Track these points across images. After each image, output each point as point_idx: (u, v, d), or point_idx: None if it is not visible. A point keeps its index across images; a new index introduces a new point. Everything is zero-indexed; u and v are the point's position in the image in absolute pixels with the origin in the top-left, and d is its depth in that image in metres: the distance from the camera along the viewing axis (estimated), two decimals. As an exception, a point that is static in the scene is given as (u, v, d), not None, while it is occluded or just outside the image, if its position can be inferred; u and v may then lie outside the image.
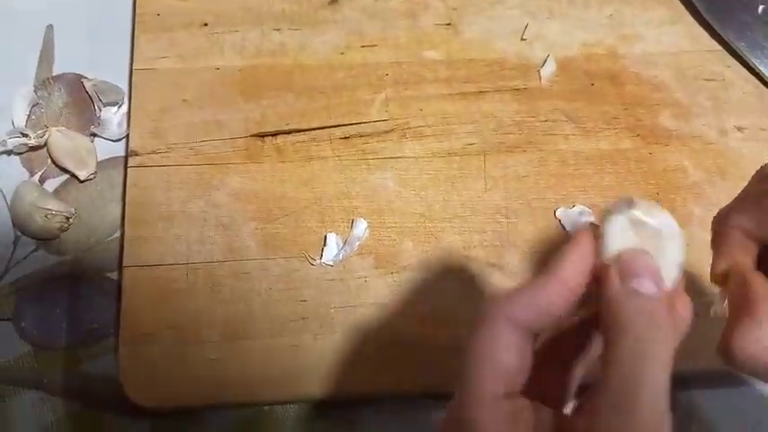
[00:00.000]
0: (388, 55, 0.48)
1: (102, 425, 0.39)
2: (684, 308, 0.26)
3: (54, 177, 0.45)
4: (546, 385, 0.28)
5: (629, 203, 0.26)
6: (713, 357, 0.41)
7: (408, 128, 0.46)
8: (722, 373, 0.42)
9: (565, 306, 0.25)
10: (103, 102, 0.46)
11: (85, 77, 0.47)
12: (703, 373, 0.42)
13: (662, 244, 0.25)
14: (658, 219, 0.26)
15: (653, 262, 0.25)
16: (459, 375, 0.25)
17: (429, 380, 0.39)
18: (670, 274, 0.25)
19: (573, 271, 0.25)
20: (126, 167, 0.43)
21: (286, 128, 0.45)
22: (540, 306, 0.24)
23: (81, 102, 0.47)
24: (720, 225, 0.29)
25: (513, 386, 0.24)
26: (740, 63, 0.51)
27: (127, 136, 0.45)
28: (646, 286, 0.24)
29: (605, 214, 0.26)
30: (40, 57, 0.48)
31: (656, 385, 0.22)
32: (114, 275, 0.42)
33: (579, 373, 0.28)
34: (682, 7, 0.53)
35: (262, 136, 0.44)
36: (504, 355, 0.24)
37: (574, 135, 0.47)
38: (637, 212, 0.25)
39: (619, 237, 0.25)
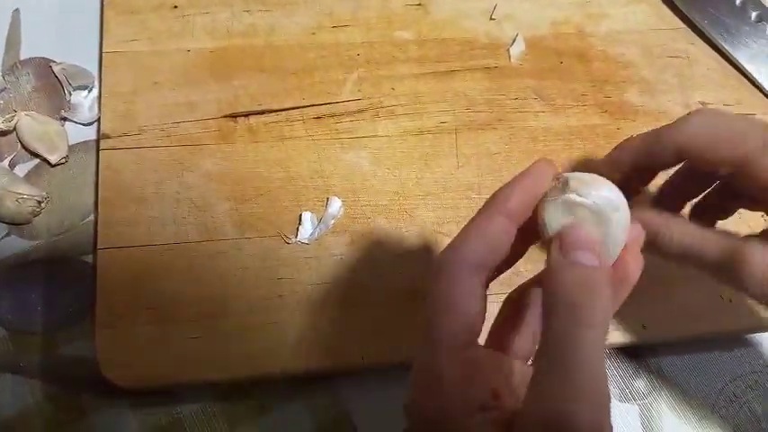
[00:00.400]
0: (359, 35, 0.48)
1: (81, 407, 0.39)
2: (636, 265, 0.27)
3: (24, 162, 0.44)
4: (514, 338, 0.29)
5: (564, 186, 0.26)
6: (681, 324, 0.43)
7: (381, 107, 0.46)
8: (691, 338, 0.44)
9: (510, 238, 0.26)
10: (73, 86, 0.46)
11: (54, 61, 0.47)
12: (671, 340, 0.44)
13: (605, 216, 0.26)
14: (596, 194, 0.26)
15: (592, 234, 0.25)
16: (424, 324, 0.25)
17: (405, 353, 0.40)
18: (616, 242, 0.26)
19: (516, 202, 0.26)
20: (98, 150, 0.43)
21: (258, 108, 0.45)
22: (488, 242, 0.26)
23: (50, 86, 0.46)
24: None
25: (473, 330, 0.25)
26: (704, 40, 0.52)
27: (98, 119, 0.45)
28: (585, 258, 0.25)
29: (542, 201, 0.27)
30: (7, 41, 0.48)
31: (591, 351, 0.23)
32: (89, 259, 0.42)
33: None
34: (647, -14, 0.53)
35: (234, 117, 0.44)
36: (460, 299, 0.25)
37: (543, 112, 0.48)
38: (571, 196, 0.26)
39: (558, 220, 0.26)
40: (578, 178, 0.26)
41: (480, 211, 0.27)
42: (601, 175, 0.28)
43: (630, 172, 0.33)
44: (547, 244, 0.26)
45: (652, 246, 0.31)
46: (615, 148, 0.34)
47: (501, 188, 0.27)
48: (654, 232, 0.31)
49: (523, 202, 0.27)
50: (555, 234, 0.26)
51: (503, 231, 0.26)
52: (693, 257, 0.31)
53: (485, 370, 0.25)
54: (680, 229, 0.31)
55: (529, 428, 0.22)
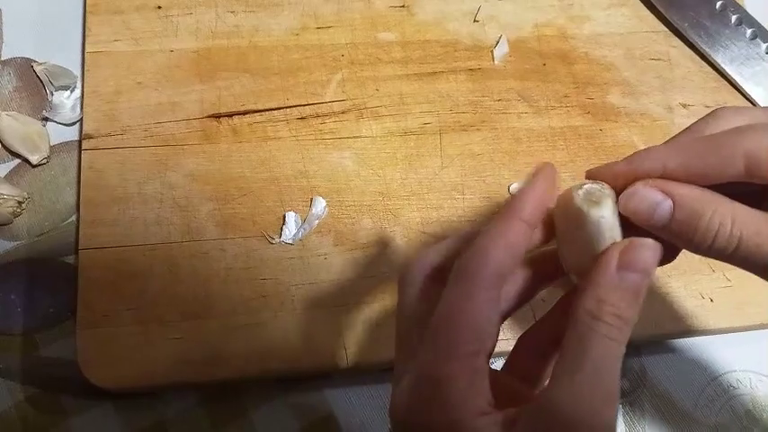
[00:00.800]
0: (343, 36, 0.48)
1: (61, 409, 0.39)
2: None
3: (5, 162, 0.44)
4: (523, 367, 0.29)
5: (586, 191, 0.26)
6: (663, 323, 0.43)
7: (365, 108, 0.46)
8: (672, 337, 0.44)
9: (527, 246, 0.26)
10: (55, 86, 0.45)
11: (36, 62, 0.46)
12: (654, 339, 0.44)
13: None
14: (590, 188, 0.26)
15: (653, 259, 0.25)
16: (433, 331, 0.25)
17: (391, 354, 0.40)
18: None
19: (533, 208, 0.25)
20: (80, 151, 0.43)
21: (242, 109, 0.45)
22: (510, 250, 0.25)
23: (32, 86, 0.46)
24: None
25: (487, 341, 0.25)
26: (684, 43, 0.53)
27: (80, 120, 0.44)
28: (640, 280, 0.24)
29: (587, 209, 0.25)
30: (-11, 41, 0.47)
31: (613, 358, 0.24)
32: (70, 260, 0.42)
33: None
34: (628, -11, 0.54)
35: (218, 117, 0.44)
36: (482, 309, 0.24)
37: (526, 113, 0.48)
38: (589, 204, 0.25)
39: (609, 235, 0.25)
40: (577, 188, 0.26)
41: (498, 219, 0.26)
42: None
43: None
44: (592, 258, 0.25)
45: (696, 236, 0.25)
46: (639, 154, 0.27)
47: (515, 196, 0.26)
48: (699, 213, 0.25)
49: (539, 208, 0.26)
50: (610, 247, 0.25)
51: (523, 238, 0.25)
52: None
53: (486, 379, 0.25)
54: (742, 211, 0.25)
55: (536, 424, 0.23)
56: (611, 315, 0.24)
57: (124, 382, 0.38)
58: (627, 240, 0.25)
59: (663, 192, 0.25)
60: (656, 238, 0.25)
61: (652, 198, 0.25)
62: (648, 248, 0.24)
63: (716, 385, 0.45)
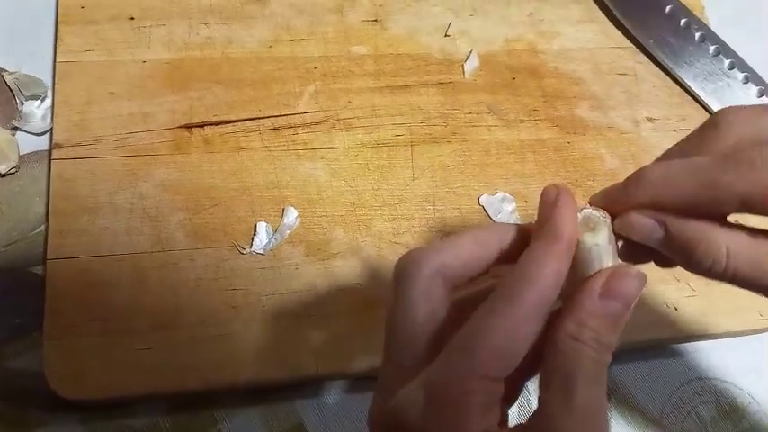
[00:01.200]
0: (316, 49, 0.49)
1: (28, 421, 0.38)
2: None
3: (-27, 172, 0.43)
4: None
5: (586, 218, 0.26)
6: (628, 332, 0.44)
7: (338, 119, 0.47)
8: (638, 346, 0.45)
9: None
10: (25, 95, 0.45)
11: (6, 71, 0.46)
12: (620, 347, 0.44)
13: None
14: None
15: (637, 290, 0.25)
16: (459, 346, 0.24)
17: (362, 364, 0.40)
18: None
19: (571, 233, 0.25)
20: (50, 160, 0.43)
21: (214, 119, 0.45)
22: (557, 277, 0.24)
23: (2, 95, 0.45)
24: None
25: (512, 367, 0.24)
26: (650, 59, 0.54)
27: (51, 129, 0.44)
28: (622, 310, 0.25)
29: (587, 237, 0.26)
30: (-42, 50, 0.47)
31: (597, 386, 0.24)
32: (39, 270, 0.41)
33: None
34: (596, 7, 0.55)
35: (189, 127, 0.44)
36: (522, 335, 0.24)
37: (496, 126, 0.49)
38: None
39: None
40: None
41: (542, 241, 0.25)
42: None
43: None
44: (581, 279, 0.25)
45: (691, 263, 0.25)
46: (634, 181, 0.26)
47: (550, 216, 0.25)
48: (694, 244, 0.25)
49: (574, 231, 0.25)
50: (596, 274, 0.25)
51: (566, 264, 0.25)
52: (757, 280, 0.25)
53: (499, 400, 0.25)
54: (735, 241, 0.25)
55: None
56: (591, 339, 0.24)
57: (92, 393, 0.37)
58: (612, 268, 0.25)
59: (656, 220, 0.25)
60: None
61: (646, 226, 0.26)
62: (632, 278, 0.25)
63: (682, 393, 0.45)
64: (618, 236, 0.26)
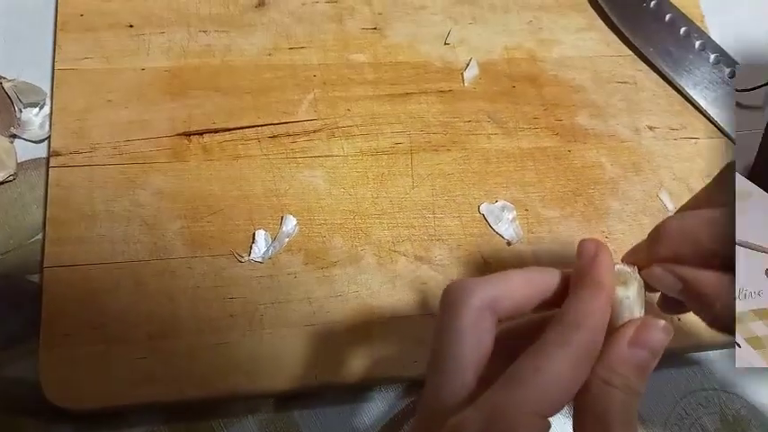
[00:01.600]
0: (315, 57, 0.49)
1: (22, 430, 0.38)
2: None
3: (-30, 179, 0.43)
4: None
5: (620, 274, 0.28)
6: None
7: (337, 127, 0.47)
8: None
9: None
10: (24, 102, 0.45)
11: (5, 78, 0.46)
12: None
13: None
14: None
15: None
16: (517, 380, 0.25)
17: (361, 373, 0.40)
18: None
19: (611, 285, 0.27)
20: (48, 168, 0.42)
21: (213, 127, 0.45)
22: (603, 327, 0.26)
23: (0, 103, 0.45)
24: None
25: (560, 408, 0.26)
26: (650, 67, 0.54)
27: (49, 137, 0.44)
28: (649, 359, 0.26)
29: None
30: (-43, 58, 0.47)
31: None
32: (36, 278, 0.41)
33: None
34: (595, 15, 0.55)
35: (188, 135, 0.44)
36: (568, 384, 0.25)
37: (496, 134, 0.49)
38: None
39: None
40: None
41: (585, 291, 0.27)
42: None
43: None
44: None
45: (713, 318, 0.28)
46: (653, 236, 0.29)
47: (591, 267, 0.27)
48: (708, 303, 0.28)
49: (612, 282, 0.28)
50: (627, 323, 0.27)
51: (607, 315, 0.27)
52: None
53: None
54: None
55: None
56: (622, 384, 0.25)
57: (88, 403, 0.37)
58: (641, 319, 0.27)
59: (674, 275, 0.28)
60: None
61: (666, 280, 0.28)
62: (659, 330, 0.27)
63: (686, 404, 0.45)
64: (653, 288, 0.29)
